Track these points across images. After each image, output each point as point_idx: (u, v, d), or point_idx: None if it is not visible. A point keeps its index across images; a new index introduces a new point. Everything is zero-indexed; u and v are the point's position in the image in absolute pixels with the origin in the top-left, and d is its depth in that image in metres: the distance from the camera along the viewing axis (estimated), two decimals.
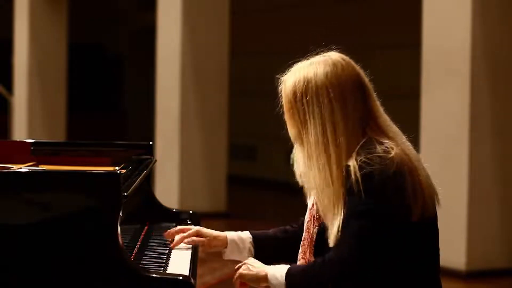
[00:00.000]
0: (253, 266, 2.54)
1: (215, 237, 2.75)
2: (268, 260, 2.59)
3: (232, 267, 2.56)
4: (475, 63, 6.23)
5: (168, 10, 8.99)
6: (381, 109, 2.52)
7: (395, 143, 2.44)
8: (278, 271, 2.48)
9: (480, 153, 6.26)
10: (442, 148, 6.34)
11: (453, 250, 6.23)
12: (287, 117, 2.53)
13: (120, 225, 2.33)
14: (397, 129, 2.53)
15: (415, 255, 2.43)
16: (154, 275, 2.32)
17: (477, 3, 6.23)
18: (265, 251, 2.75)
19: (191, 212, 3.34)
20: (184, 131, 8.79)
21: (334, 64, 2.48)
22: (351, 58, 2.57)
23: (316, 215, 2.59)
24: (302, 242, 2.62)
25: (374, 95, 2.52)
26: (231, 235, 2.77)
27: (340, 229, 2.42)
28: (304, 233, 2.62)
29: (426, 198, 2.42)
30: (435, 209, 2.48)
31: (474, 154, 6.23)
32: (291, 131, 2.53)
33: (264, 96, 11.56)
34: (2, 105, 12.15)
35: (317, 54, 2.54)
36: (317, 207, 2.57)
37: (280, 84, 2.54)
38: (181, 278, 2.32)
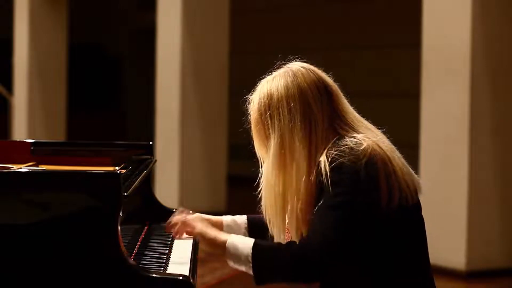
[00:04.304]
0: (208, 229, 2.57)
1: (212, 224, 2.80)
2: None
3: (232, 268, 2.55)
4: (475, 63, 6.24)
5: (168, 10, 8.99)
6: (349, 108, 2.56)
7: (366, 137, 2.46)
8: (239, 241, 2.47)
9: (480, 153, 6.27)
10: (442, 148, 6.34)
11: (453, 250, 6.23)
12: (254, 136, 2.59)
13: (120, 225, 2.33)
14: (370, 125, 2.56)
15: (398, 244, 2.44)
16: (154, 275, 2.32)
17: (477, 3, 6.23)
18: (259, 237, 2.77)
19: (191, 212, 3.33)
20: (184, 131, 8.79)
21: (294, 74, 2.53)
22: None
23: None
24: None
25: (341, 95, 2.57)
26: (227, 221, 2.83)
27: (313, 219, 2.43)
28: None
29: (402, 187, 2.43)
30: (417, 198, 2.50)
31: (474, 154, 6.23)
32: (259, 150, 2.59)
33: None
34: (2, 105, 12.15)
35: (280, 67, 2.59)
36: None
37: (248, 103, 2.61)
38: (181, 278, 2.32)
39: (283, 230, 2.55)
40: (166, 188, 8.80)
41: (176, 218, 2.78)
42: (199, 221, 2.67)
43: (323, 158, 2.42)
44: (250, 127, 2.61)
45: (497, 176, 6.38)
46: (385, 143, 2.50)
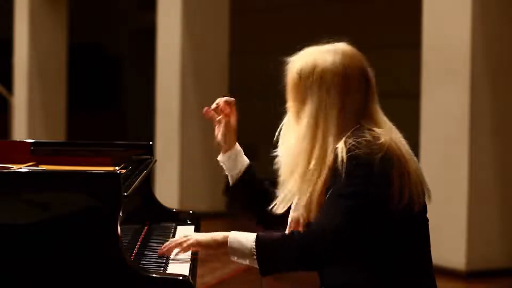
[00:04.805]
0: (200, 234, 2.55)
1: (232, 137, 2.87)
2: (237, 203, 2.70)
3: (233, 268, 2.55)
4: (475, 63, 6.23)
5: (168, 10, 8.99)
6: (378, 107, 2.56)
7: (387, 133, 2.47)
8: (241, 235, 2.46)
9: (480, 153, 6.26)
10: (442, 148, 6.34)
11: (453, 250, 6.23)
12: (289, 93, 2.57)
13: (120, 225, 2.33)
14: (393, 126, 2.56)
15: (401, 243, 2.45)
16: (154, 275, 2.32)
17: (477, 3, 6.23)
18: (245, 190, 2.84)
19: (191, 212, 3.34)
20: (184, 131, 8.79)
21: (343, 54, 2.54)
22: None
23: None
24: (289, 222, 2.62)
25: (375, 92, 2.57)
26: (239, 151, 2.90)
27: (322, 207, 2.43)
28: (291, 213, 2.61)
29: (413, 189, 2.44)
30: (424, 202, 2.51)
31: (474, 154, 6.23)
32: (291, 107, 2.57)
33: (264, 96, 11.56)
34: (2, 105, 12.15)
35: (327, 43, 2.60)
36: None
37: (287, 63, 2.59)
38: (181, 278, 2.32)
39: (291, 193, 2.53)
40: (166, 188, 8.80)
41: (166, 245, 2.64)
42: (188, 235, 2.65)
43: (340, 145, 2.42)
44: (283, 87, 2.60)
45: (497, 176, 6.37)
46: (404, 144, 2.51)
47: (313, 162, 2.47)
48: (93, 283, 2.32)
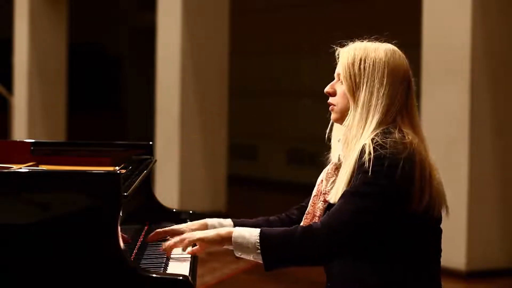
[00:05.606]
0: (205, 231, 2.54)
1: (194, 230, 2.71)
2: None
3: (232, 268, 2.55)
4: (475, 63, 6.24)
5: (168, 10, 8.99)
6: (417, 112, 2.56)
7: (416, 139, 2.46)
8: (246, 231, 2.47)
9: (480, 153, 6.26)
10: (442, 148, 6.34)
11: (453, 250, 6.23)
12: (342, 74, 2.57)
13: (120, 225, 2.33)
14: (424, 135, 2.56)
15: (412, 246, 2.46)
16: (154, 275, 2.32)
17: (477, 3, 6.23)
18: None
19: (191, 212, 3.34)
20: (184, 131, 8.79)
21: (394, 51, 2.59)
22: None
23: (323, 190, 2.60)
24: (305, 215, 2.63)
25: (414, 97, 2.58)
26: (211, 222, 2.77)
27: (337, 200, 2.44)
28: (308, 207, 2.64)
29: (433, 194, 2.47)
30: (440, 213, 2.54)
31: (474, 154, 6.23)
32: (345, 86, 2.55)
33: (264, 96, 11.56)
34: (2, 105, 12.15)
35: (372, 41, 2.64)
36: (326, 182, 2.59)
37: (337, 50, 2.63)
38: (181, 278, 2.32)
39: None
40: (166, 188, 8.80)
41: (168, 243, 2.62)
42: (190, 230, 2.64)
43: (368, 142, 2.42)
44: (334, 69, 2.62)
45: (497, 176, 6.38)
46: (430, 153, 2.51)
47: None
48: (93, 283, 2.32)
